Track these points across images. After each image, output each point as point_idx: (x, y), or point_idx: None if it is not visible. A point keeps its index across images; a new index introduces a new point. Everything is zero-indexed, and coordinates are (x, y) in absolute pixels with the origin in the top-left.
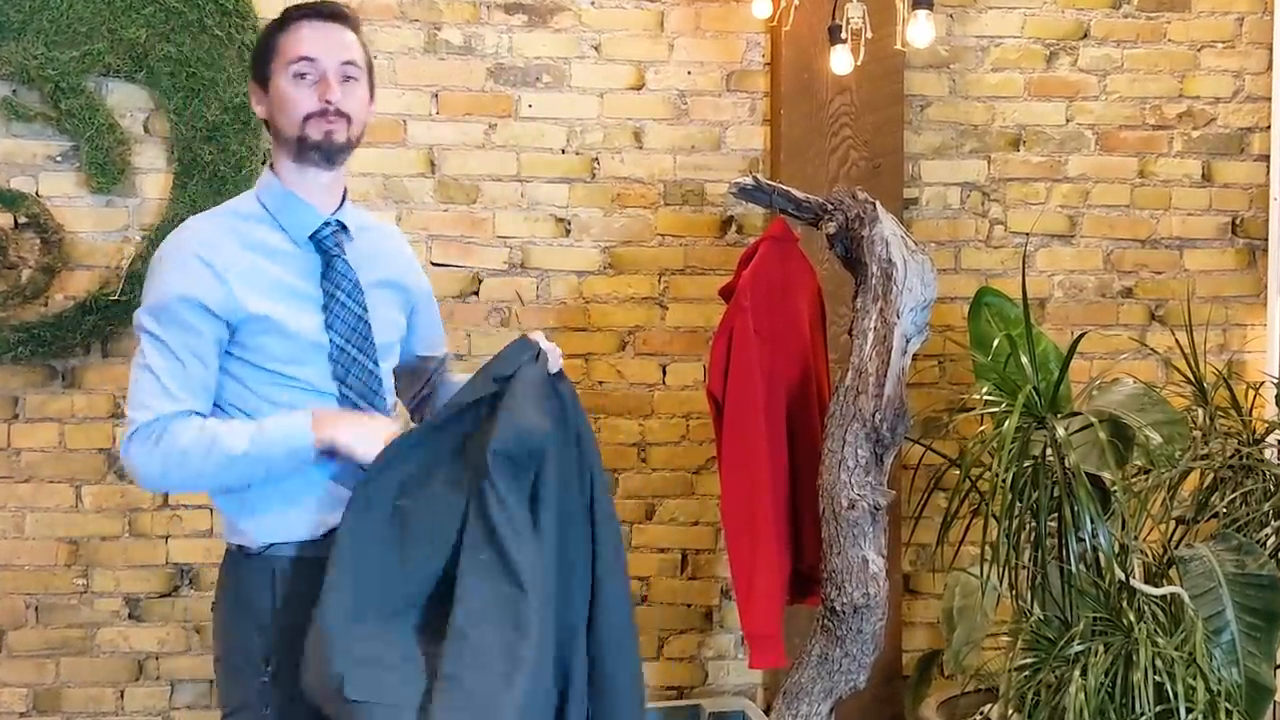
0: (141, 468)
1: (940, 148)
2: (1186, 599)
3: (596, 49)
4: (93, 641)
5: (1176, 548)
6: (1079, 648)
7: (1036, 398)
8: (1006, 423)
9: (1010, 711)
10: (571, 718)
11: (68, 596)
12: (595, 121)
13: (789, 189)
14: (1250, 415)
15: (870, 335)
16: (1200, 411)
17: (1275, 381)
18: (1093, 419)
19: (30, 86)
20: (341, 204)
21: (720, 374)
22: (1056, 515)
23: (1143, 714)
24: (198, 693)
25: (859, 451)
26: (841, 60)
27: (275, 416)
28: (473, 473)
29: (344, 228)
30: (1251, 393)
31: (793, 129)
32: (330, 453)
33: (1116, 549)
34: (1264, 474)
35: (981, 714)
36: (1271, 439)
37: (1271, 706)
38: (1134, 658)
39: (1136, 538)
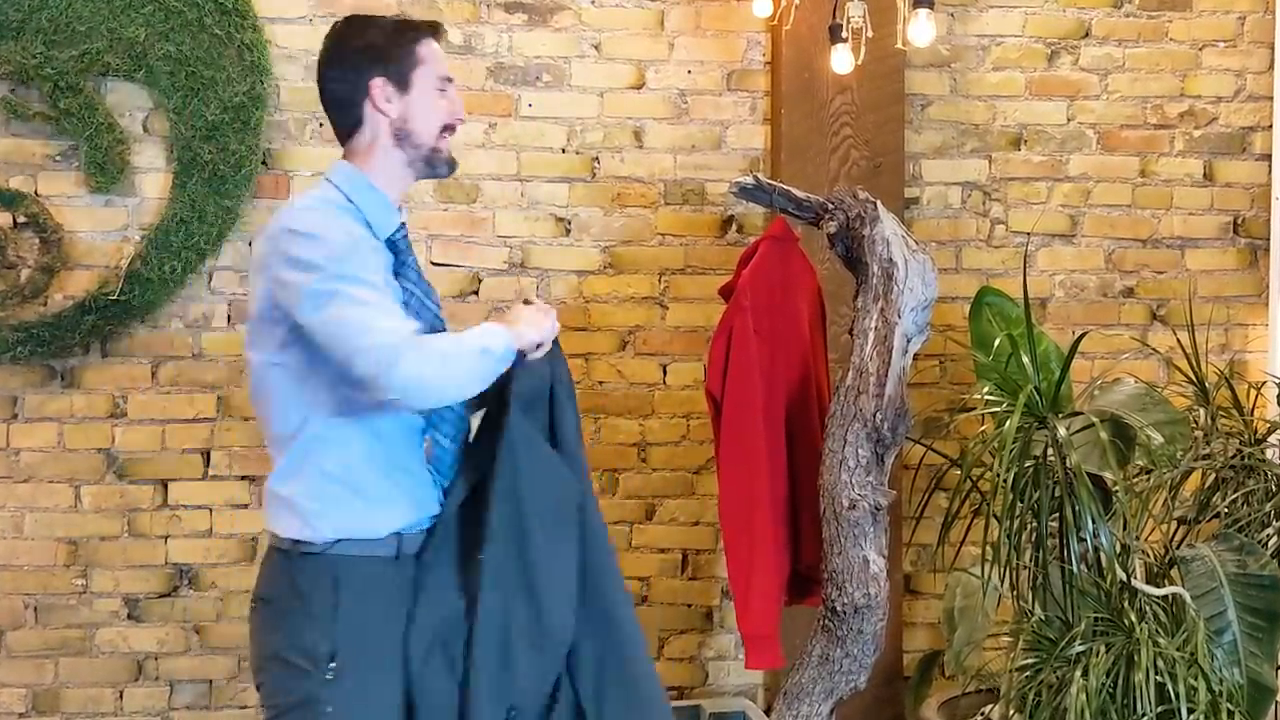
0: (418, 376)
1: (941, 147)
2: (1188, 599)
3: (597, 48)
4: (92, 642)
5: (1178, 548)
6: (1080, 648)
7: (1038, 397)
8: (1008, 423)
9: (1011, 712)
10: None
11: (67, 597)
12: (595, 121)
13: (789, 188)
14: (1252, 415)
15: (871, 335)
16: (1202, 411)
17: (1277, 381)
18: (1094, 419)
19: (29, 86)
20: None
21: (719, 373)
22: (1058, 515)
23: (1144, 714)
24: (197, 693)
25: (860, 451)
26: (842, 59)
27: (471, 330)
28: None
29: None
30: (1253, 392)
31: (793, 128)
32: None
33: (1118, 549)
34: (1265, 474)
35: (982, 714)
36: (1273, 439)
37: (1273, 707)
38: (1135, 658)
39: (1138, 538)
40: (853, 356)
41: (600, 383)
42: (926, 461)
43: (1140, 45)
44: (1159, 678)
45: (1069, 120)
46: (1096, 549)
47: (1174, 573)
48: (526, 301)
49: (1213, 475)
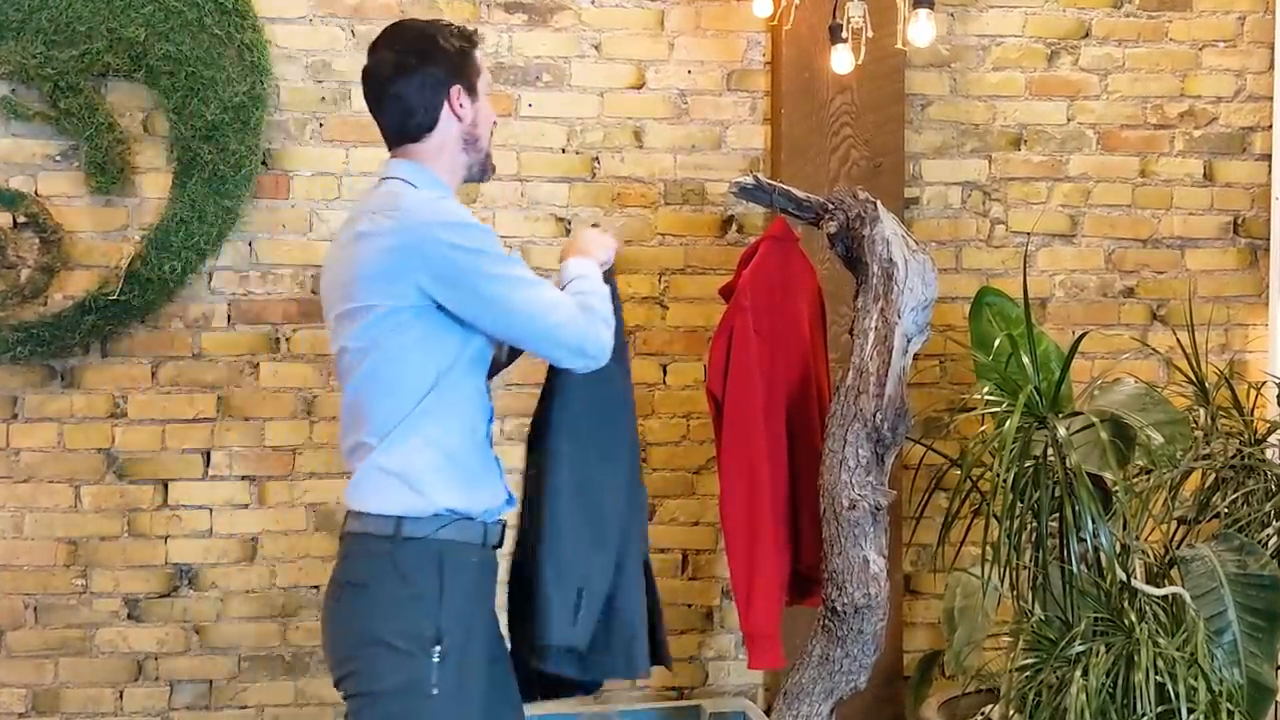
0: (604, 340)
1: (941, 147)
2: (1188, 599)
3: (597, 48)
4: (92, 642)
5: (1178, 548)
6: (1080, 648)
7: (1038, 397)
8: (1008, 423)
9: (1011, 712)
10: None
11: (67, 597)
12: (595, 121)
13: (789, 188)
14: (1252, 415)
15: (871, 335)
16: (1202, 411)
17: (1277, 381)
18: (1094, 419)
19: (29, 86)
20: None
21: (720, 373)
22: (1058, 515)
23: (1144, 714)
24: (197, 693)
25: (860, 451)
26: (842, 59)
27: (573, 276)
28: None
29: None
30: (1253, 392)
31: (793, 128)
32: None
33: (1118, 549)
34: (1265, 474)
35: (982, 714)
36: (1273, 439)
37: (1273, 707)
38: (1135, 658)
39: (1138, 538)
40: (853, 356)
41: None
42: (926, 461)
43: (1140, 45)
44: (1159, 678)
45: (1069, 120)
46: (1096, 549)
47: (1174, 573)
48: (595, 225)
49: (1213, 475)
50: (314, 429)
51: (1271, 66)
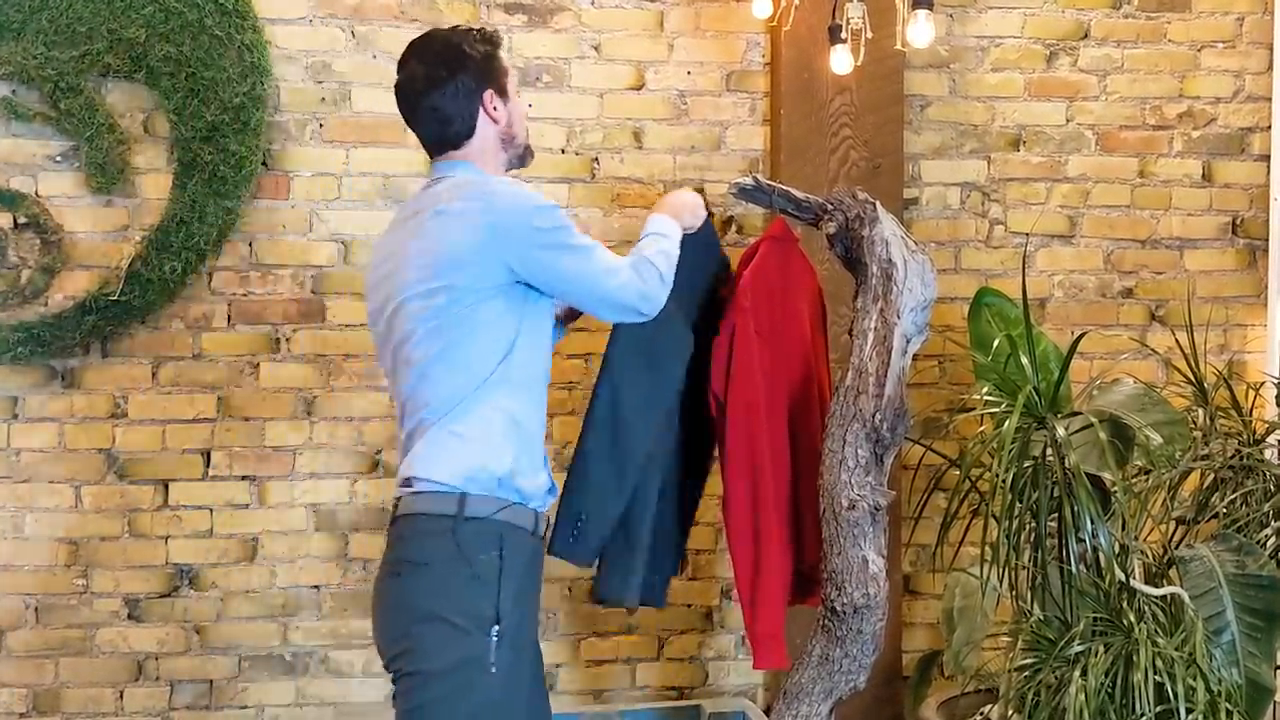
0: (655, 297)
1: (940, 148)
2: (1187, 599)
3: (596, 49)
4: (92, 642)
5: (1177, 548)
6: (1079, 648)
7: (1036, 398)
8: (1006, 423)
9: (1010, 712)
10: None
11: (67, 597)
12: (595, 121)
13: (789, 189)
14: (1250, 415)
15: (870, 335)
16: (1200, 412)
17: (1275, 382)
18: (1093, 419)
19: (30, 86)
20: None
21: (722, 374)
22: (1056, 516)
23: (1143, 714)
24: (197, 693)
25: (859, 452)
26: (841, 60)
27: (652, 231)
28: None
29: None
30: (1252, 393)
31: (793, 129)
32: None
33: (1117, 549)
34: (1264, 474)
35: (982, 714)
36: (1272, 439)
37: (1271, 707)
38: (1134, 658)
39: (1137, 538)
40: (852, 357)
41: None
42: (926, 462)
43: (1139, 46)
44: (1158, 678)
45: (1068, 121)
46: (1095, 549)
47: (1172, 573)
48: (699, 190)
49: (1211, 475)
50: (314, 429)
51: (1270, 67)
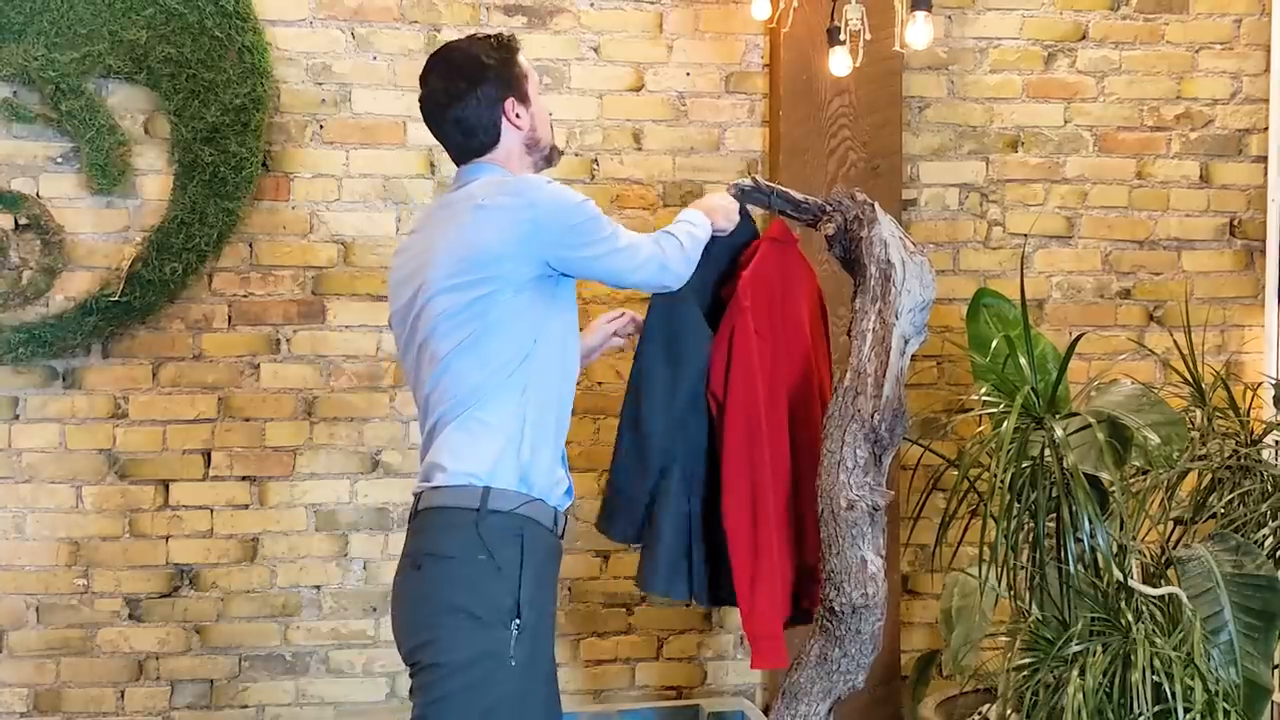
0: (682, 267)
1: (939, 149)
2: (1184, 599)
3: (596, 50)
4: (93, 642)
5: (1174, 548)
6: (1077, 648)
7: (1035, 398)
8: (1005, 423)
9: (1009, 712)
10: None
11: (68, 597)
12: (594, 123)
13: (788, 190)
14: (1248, 416)
15: (869, 336)
16: (1198, 412)
17: (1273, 382)
18: (1091, 420)
19: (31, 88)
20: None
21: (721, 375)
22: (1055, 516)
23: (1141, 714)
24: (197, 693)
25: (857, 452)
26: (840, 62)
27: (683, 219)
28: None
29: None
30: (1249, 393)
31: (791, 130)
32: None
33: (1114, 549)
34: (1262, 474)
35: (980, 714)
36: (1269, 439)
37: (1269, 706)
38: (1132, 658)
39: (1134, 538)
40: (851, 357)
41: (599, 383)
42: (924, 462)
43: (1137, 48)
44: (1155, 678)
45: (1066, 122)
46: (1093, 549)
47: (1170, 573)
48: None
49: (1209, 476)
50: (314, 429)
51: (1267, 69)
